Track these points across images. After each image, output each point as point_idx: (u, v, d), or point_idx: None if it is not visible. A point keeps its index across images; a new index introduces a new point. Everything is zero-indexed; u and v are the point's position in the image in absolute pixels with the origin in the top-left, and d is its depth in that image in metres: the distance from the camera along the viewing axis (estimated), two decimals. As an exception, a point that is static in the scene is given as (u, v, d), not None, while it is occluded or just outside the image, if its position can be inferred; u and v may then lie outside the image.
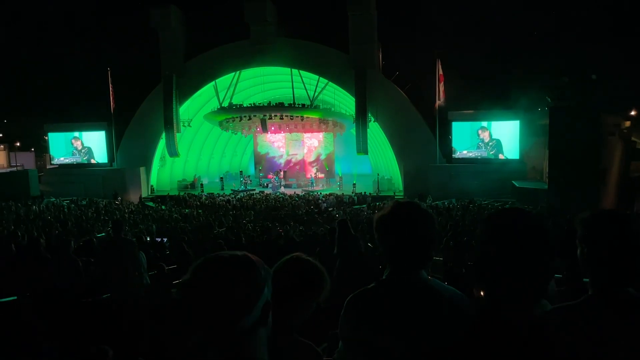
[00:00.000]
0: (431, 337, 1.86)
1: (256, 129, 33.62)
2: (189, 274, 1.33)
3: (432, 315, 1.87)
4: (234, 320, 1.27)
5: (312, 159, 38.42)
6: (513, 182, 26.75)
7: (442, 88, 29.38)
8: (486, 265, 1.54)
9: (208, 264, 1.33)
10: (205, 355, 1.30)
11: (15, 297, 6.58)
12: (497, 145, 29.06)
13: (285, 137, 37.81)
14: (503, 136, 28.99)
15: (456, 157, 29.78)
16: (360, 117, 29.73)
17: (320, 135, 37.10)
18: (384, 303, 1.92)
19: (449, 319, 1.88)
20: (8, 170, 37.29)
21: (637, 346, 1.61)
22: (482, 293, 1.73)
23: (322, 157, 38.18)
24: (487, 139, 29.22)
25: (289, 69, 31.69)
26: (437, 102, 29.47)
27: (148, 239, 13.96)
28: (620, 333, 1.63)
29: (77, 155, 33.97)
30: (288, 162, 38.74)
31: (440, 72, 29.33)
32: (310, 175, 36.40)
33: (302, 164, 38.51)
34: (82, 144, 33.87)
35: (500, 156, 29.00)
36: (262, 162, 39.06)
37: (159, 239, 14.90)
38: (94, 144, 33.91)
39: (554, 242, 1.57)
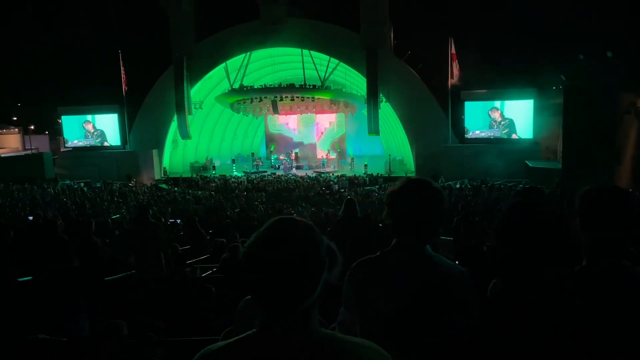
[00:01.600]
0: (427, 305, 1.93)
1: (267, 110, 33.59)
2: (261, 242, 1.28)
3: (429, 284, 1.94)
4: (304, 297, 1.27)
5: (324, 140, 38.36)
6: (526, 162, 26.52)
7: (455, 67, 29.04)
8: (504, 261, 1.51)
9: (283, 232, 1.29)
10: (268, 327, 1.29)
11: (34, 277, 6.75)
12: (511, 125, 28.76)
13: (298, 118, 37.71)
14: (517, 116, 28.66)
15: (469, 137, 29.54)
16: (372, 97, 29.54)
17: (333, 116, 36.95)
18: (385, 270, 2.01)
19: (447, 289, 1.96)
20: (23, 153, 37.74)
21: (627, 315, 1.65)
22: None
23: (335, 138, 38.10)
24: (498, 119, 28.93)
25: (300, 50, 31.49)
26: (450, 81, 29.15)
27: (162, 220, 14.13)
28: (611, 302, 1.67)
29: (90, 138, 34.27)
30: (300, 143, 38.72)
31: (453, 51, 28.97)
32: (322, 156, 36.37)
33: (313, 145, 38.45)
34: (93, 127, 34.12)
35: (514, 136, 28.73)
36: (275, 141, 39.06)
37: (172, 220, 15.10)
38: (107, 126, 34.13)
39: (575, 236, 1.53)
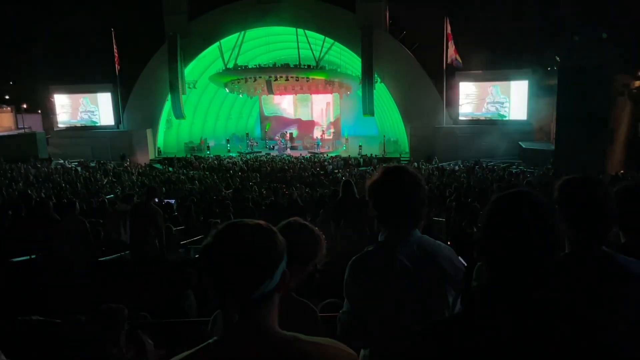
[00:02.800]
0: (430, 290, 2.01)
1: (261, 90, 33.38)
2: (212, 238, 1.33)
3: (428, 270, 2.03)
4: (254, 286, 1.28)
5: (320, 120, 38.21)
6: (520, 143, 26.60)
7: (452, 47, 28.85)
8: (490, 254, 1.47)
9: (232, 230, 1.33)
10: (222, 319, 1.34)
11: (28, 257, 6.79)
12: (505, 106, 28.75)
13: (294, 98, 37.48)
14: (511, 97, 28.63)
15: (463, 118, 29.54)
16: (367, 78, 29.39)
17: (329, 96, 36.74)
18: (384, 261, 2.06)
19: (445, 272, 2.05)
20: (16, 132, 37.44)
21: (607, 301, 1.71)
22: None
23: (331, 119, 37.95)
24: (494, 100, 28.89)
25: (294, 29, 31.20)
26: (447, 62, 28.94)
27: (156, 200, 14.14)
28: (592, 289, 1.74)
29: (83, 118, 34.08)
30: (297, 120, 38.52)
31: (449, 31, 28.76)
32: (317, 137, 36.28)
33: (310, 125, 38.25)
34: (86, 106, 33.91)
35: (508, 117, 28.73)
36: (270, 121, 38.85)
37: (167, 201, 15.11)
38: (100, 105, 33.92)
39: (559, 230, 1.47)
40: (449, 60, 28.98)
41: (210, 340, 1.33)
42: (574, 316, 1.38)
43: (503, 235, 1.42)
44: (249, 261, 1.28)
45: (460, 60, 28.84)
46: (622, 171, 19.37)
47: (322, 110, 38.19)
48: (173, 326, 3.73)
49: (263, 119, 39.51)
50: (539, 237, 1.39)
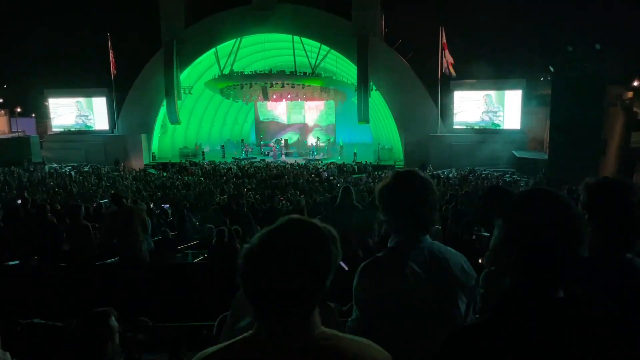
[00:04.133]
0: (441, 297, 2.00)
1: (257, 97, 33.41)
2: (269, 240, 1.25)
3: (439, 276, 2.01)
4: (312, 295, 1.25)
5: (314, 127, 38.24)
6: (513, 152, 26.78)
7: (446, 56, 29.02)
8: (512, 256, 1.40)
9: (291, 232, 1.26)
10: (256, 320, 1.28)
11: (18, 262, 6.74)
12: (499, 115, 28.93)
13: (287, 105, 37.54)
14: (505, 106, 28.84)
15: (457, 126, 29.68)
16: (362, 85, 29.51)
17: (322, 103, 36.83)
18: (395, 267, 2.03)
19: (456, 279, 2.04)
20: (9, 136, 37.23)
21: (630, 307, 1.70)
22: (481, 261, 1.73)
23: (324, 125, 38.01)
24: (487, 109, 29.07)
25: (291, 36, 31.32)
26: (442, 70, 29.06)
27: (152, 205, 14.14)
28: (614, 295, 1.73)
29: (78, 122, 33.98)
30: (292, 125, 38.52)
31: (444, 40, 28.95)
32: (312, 144, 36.33)
33: (304, 132, 38.29)
34: (81, 110, 33.81)
35: (502, 126, 28.91)
36: (265, 127, 38.85)
37: (162, 206, 15.10)
38: (95, 110, 33.82)
39: (586, 228, 1.41)
40: (443, 69, 29.13)
41: (246, 334, 1.29)
42: (603, 314, 1.34)
43: (530, 229, 1.35)
44: (307, 273, 1.23)
45: (454, 71, 28.95)
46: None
47: (316, 117, 38.22)
48: (175, 330, 3.74)
49: (258, 124, 39.51)
50: (567, 231, 1.34)
